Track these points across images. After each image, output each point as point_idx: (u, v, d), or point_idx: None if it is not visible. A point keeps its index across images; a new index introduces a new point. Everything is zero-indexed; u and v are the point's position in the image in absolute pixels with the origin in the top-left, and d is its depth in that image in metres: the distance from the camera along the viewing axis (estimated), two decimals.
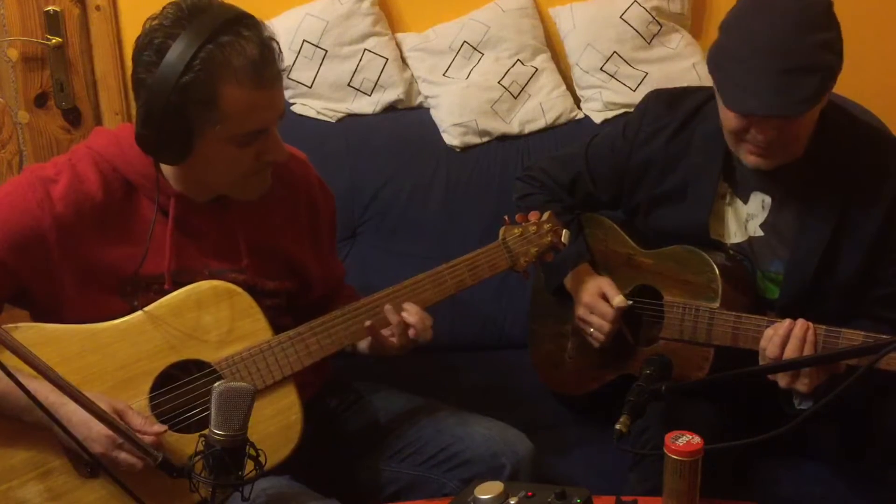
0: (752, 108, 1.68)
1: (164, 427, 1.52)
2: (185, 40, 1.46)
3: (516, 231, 1.79)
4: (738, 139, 1.76)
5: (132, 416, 1.50)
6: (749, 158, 1.77)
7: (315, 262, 1.82)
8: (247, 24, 1.50)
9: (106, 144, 1.63)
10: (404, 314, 1.68)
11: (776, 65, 1.63)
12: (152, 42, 1.48)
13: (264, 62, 1.50)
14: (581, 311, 1.96)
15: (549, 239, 1.80)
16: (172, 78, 1.46)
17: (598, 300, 1.92)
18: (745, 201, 1.88)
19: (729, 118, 1.73)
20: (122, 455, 1.46)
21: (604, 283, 1.94)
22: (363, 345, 1.76)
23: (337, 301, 1.78)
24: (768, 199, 1.86)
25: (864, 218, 1.78)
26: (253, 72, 1.49)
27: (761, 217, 1.87)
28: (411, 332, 1.69)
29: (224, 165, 1.58)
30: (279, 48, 1.55)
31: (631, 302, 1.92)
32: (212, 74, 1.47)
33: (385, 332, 1.70)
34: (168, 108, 1.47)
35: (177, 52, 1.46)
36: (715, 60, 1.73)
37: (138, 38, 1.51)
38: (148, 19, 1.52)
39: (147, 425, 1.49)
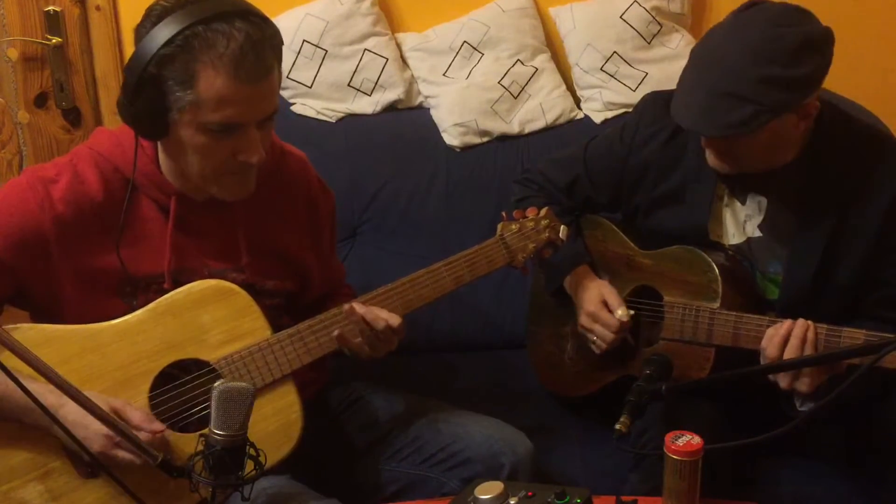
0: (679, 118, 1.72)
1: (163, 427, 1.52)
2: (179, 17, 1.46)
3: (514, 227, 1.79)
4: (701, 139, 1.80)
5: (131, 412, 1.50)
6: (709, 158, 1.80)
7: (315, 262, 1.82)
8: (248, 20, 1.49)
9: (107, 144, 1.63)
10: (361, 311, 1.66)
11: (713, 84, 1.65)
12: (150, 14, 1.49)
13: (246, 56, 1.48)
14: (584, 320, 1.95)
15: (547, 235, 1.80)
16: (153, 47, 1.46)
17: (602, 310, 1.91)
18: (743, 202, 1.88)
19: None
20: (122, 452, 1.46)
21: (606, 291, 1.93)
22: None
23: (336, 301, 1.78)
24: (764, 201, 1.86)
25: (862, 218, 1.78)
26: (233, 62, 1.47)
27: (759, 218, 1.87)
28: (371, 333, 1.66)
29: (197, 153, 1.56)
30: (276, 53, 1.53)
31: (633, 312, 1.91)
32: (192, 53, 1.46)
33: (356, 339, 1.68)
34: (144, 76, 1.47)
35: (166, 25, 1.46)
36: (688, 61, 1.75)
37: (147, 9, 1.52)
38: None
39: (146, 422, 1.49)
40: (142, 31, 1.50)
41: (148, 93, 1.49)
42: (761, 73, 1.62)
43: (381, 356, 1.71)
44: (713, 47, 1.70)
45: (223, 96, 1.49)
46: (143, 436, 1.46)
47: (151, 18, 1.49)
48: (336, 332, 1.66)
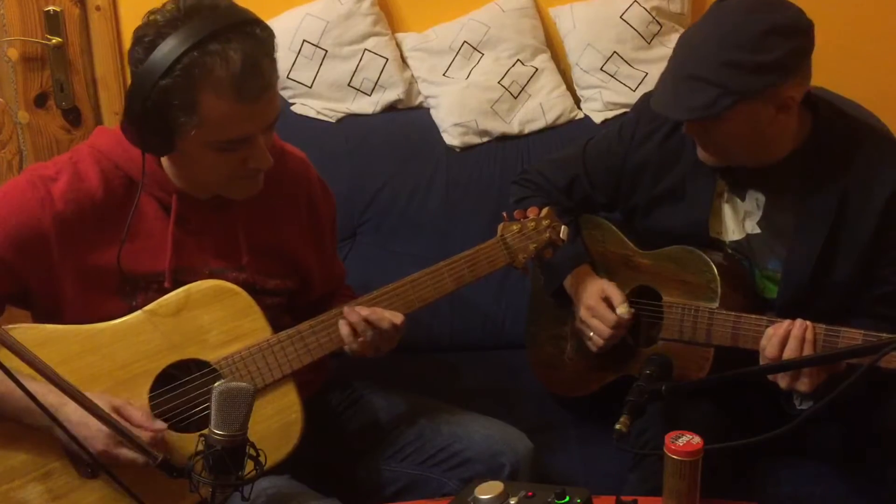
0: (653, 103, 1.76)
1: (164, 425, 1.52)
2: (173, 42, 1.45)
3: (515, 227, 1.78)
4: None
5: (131, 411, 1.50)
6: (698, 151, 1.83)
7: (316, 261, 1.82)
8: (243, 32, 1.48)
9: (108, 143, 1.63)
10: (363, 312, 1.66)
11: (680, 69, 1.70)
12: (144, 38, 1.48)
13: (246, 76, 1.47)
14: (583, 314, 1.95)
15: (548, 235, 1.79)
16: (153, 78, 1.45)
17: (601, 304, 1.91)
18: (742, 199, 1.88)
19: None
20: (123, 451, 1.46)
21: (608, 287, 1.93)
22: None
23: (338, 301, 1.78)
24: (762, 198, 1.86)
25: (860, 216, 1.78)
26: (233, 85, 1.47)
27: (758, 214, 1.87)
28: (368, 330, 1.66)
29: (207, 167, 1.57)
30: (272, 60, 1.52)
31: (634, 311, 1.91)
32: (192, 81, 1.46)
33: (360, 339, 1.68)
34: (147, 105, 1.47)
35: (162, 53, 1.45)
36: None
37: (136, 29, 1.51)
38: (148, 13, 1.51)
39: (147, 421, 1.50)
40: (136, 56, 1.49)
41: (152, 119, 1.49)
42: (725, 57, 1.64)
43: (383, 354, 1.70)
44: (689, 36, 1.74)
45: (228, 118, 1.50)
46: (144, 435, 1.46)
47: (144, 44, 1.48)
48: (345, 330, 1.66)
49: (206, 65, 1.45)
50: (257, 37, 1.50)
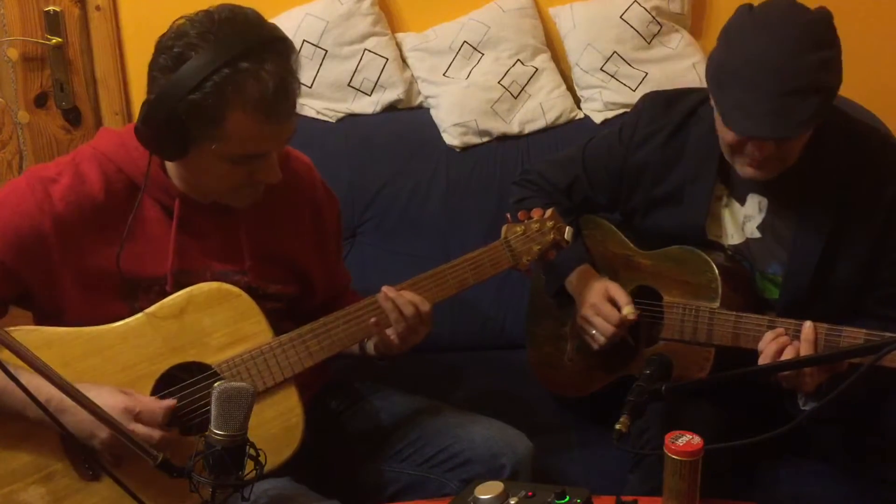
0: (750, 131, 1.67)
1: (173, 400, 1.53)
2: (205, 57, 1.44)
3: (518, 229, 1.78)
4: (735, 152, 1.76)
5: (139, 396, 1.51)
6: (745, 171, 1.76)
7: (318, 267, 1.81)
8: (274, 51, 1.48)
9: (111, 145, 1.63)
10: (392, 295, 1.66)
11: (776, 87, 1.62)
12: (173, 47, 1.47)
13: (278, 98, 1.48)
14: (586, 311, 1.94)
15: (552, 237, 1.78)
16: (182, 91, 1.45)
17: (605, 302, 1.91)
18: (742, 203, 1.88)
19: (727, 133, 1.72)
20: (137, 427, 1.46)
21: (612, 287, 1.92)
22: (370, 347, 1.76)
23: (341, 307, 1.77)
24: (765, 201, 1.86)
25: (862, 220, 1.78)
26: (264, 105, 1.47)
27: (758, 219, 1.87)
28: (401, 316, 1.66)
29: (215, 176, 1.57)
30: (298, 80, 1.52)
31: (639, 311, 1.91)
32: (222, 98, 1.45)
33: (387, 330, 1.70)
34: (171, 116, 1.47)
35: (193, 67, 1.44)
36: (715, 76, 1.71)
37: (163, 35, 1.50)
38: (178, 19, 1.50)
39: (155, 401, 1.51)
40: (162, 64, 1.48)
41: (174, 127, 1.48)
42: (814, 60, 1.61)
43: (406, 349, 1.71)
44: (750, 53, 1.65)
45: (251, 136, 1.50)
46: (156, 410, 1.48)
47: (173, 54, 1.46)
48: (373, 320, 1.66)
49: (238, 83, 1.45)
50: (287, 56, 1.50)
